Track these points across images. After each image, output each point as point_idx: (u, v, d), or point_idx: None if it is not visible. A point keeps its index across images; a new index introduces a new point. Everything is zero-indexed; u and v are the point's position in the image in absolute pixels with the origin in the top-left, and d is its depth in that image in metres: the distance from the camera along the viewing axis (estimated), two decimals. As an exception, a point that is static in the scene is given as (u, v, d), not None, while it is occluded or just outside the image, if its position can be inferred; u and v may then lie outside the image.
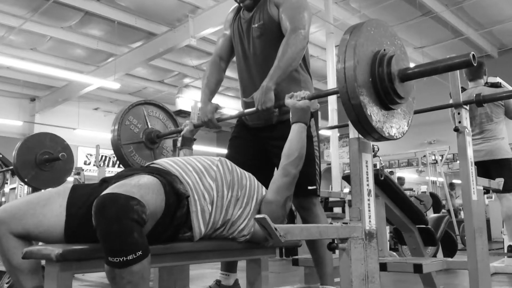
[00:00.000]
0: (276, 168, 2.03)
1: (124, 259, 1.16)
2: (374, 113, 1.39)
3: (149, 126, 2.59)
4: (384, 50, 1.45)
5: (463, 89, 3.57)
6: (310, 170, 2.00)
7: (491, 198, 9.21)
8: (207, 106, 2.14)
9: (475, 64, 1.37)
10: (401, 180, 8.79)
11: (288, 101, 1.78)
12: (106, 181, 1.46)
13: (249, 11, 2.12)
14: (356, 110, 1.34)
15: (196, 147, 2.24)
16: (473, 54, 1.35)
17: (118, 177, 1.45)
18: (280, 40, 1.95)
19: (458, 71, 2.25)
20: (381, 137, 1.44)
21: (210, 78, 2.24)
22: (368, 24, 1.43)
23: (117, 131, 2.44)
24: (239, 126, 2.25)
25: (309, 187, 2.03)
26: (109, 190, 1.26)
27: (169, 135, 2.61)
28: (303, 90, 1.98)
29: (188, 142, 2.21)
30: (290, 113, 1.76)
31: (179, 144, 2.23)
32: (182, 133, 2.24)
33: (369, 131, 1.40)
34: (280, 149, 1.76)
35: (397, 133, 1.51)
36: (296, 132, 1.72)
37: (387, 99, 1.43)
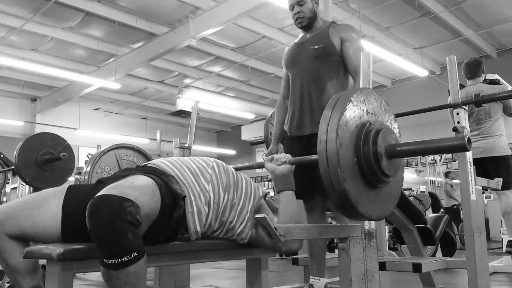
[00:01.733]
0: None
1: (119, 260, 1.16)
2: (360, 197, 1.29)
3: None
4: (370, 124, 1.34)
5: (462, 86, 3.58)
6: None
7: (490, 198, 9.23)
8: (276, 147, 2.48)
9: (469, 150, 1.29)
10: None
11: (268, 165, 1.68)
12: (102, 182, 1.45)
13: (306, 31, 2.41)
14: (341, 196, 1.25)
15: (196, 147, 2.25)
16: (469, 138, 1.26)
17: (114, 178, 1.45)
18: (332, 65, 2.26)
19: (456, 71, 2.26)
20: (367, 219, 1.40)
21: (280, 119, 2.49)
22: (353, 97, 1.33)
23: (88, 180, 2.51)
24: (290, 139, 2.41)
25: None
26: (103, 191, 1.26)
27: None
28: None
29: None
30: (273, 180, 1.68)
31: None
32: None
33: (355, 215, 1.33)
34: None
35: (386, 211, 1.43)
36: (286, 204, 1.59)
37: (374, 179, 1.32)
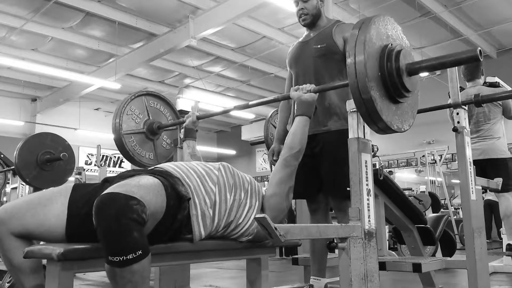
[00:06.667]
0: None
1: (124, 258, 1.16)
2: (384, 107, 1.42)
3: (150, 117, 2.64)
4: (392, 45, 1.47)
5: (462, 89, 3.59)
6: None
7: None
8: (279, 146, 2.42)
9: (481, 59, 1.40)
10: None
11: (293, 93, 1.81)
12: (108, 181, 1.46)
13: (310, 29, 2.39)
14: (367, 104, 1.37)
15: (196, 147, 2.25)
16: (480, 50, 1.38)
17: (120, 177, 1.46)
18: (334, 65, 2.23)
19: (456, 71, 2.26)
20: (389, 130, 1.47)
21: (283, 118, 2.49)
22: (375, 19, 1.46)
23: (119, 118, 2.52)
24: None
25: (348, 188, 2.09)
26: (109, 189, 1.27)
27: (170, 126, 2.65)
28: None
29: (191, 133, 2.24)
30: (296, 105, 1.81)
31: (182, 135, 2.27)
32: (184, 124, 2.27)
33: (378, 124, 1.44)
34: (327, 156, 2.08)
35: (405, 126, 1.54)
36: (300, 125, 1.75)
37: (396, 93, 1.45)
